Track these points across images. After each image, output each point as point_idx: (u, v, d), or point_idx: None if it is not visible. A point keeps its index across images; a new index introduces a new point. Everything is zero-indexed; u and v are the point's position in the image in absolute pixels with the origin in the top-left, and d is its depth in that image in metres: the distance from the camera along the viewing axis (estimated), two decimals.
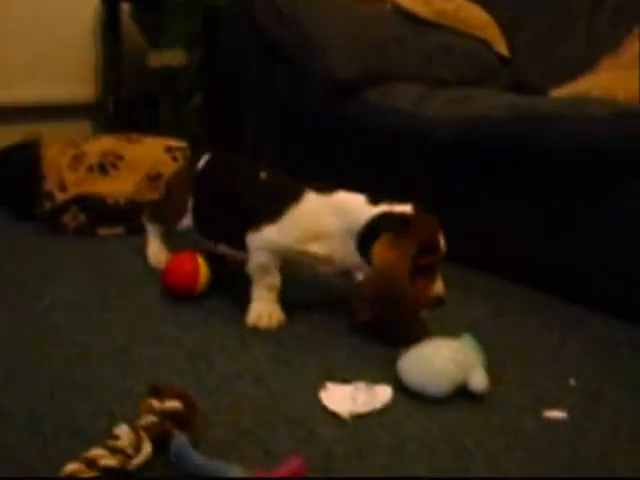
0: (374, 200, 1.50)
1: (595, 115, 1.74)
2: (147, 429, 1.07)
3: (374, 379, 1.34)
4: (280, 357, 1.44)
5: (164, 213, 1.85)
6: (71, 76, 3.44)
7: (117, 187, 2.16)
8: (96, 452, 1.03)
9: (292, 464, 1.05)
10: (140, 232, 2.04)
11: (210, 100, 2.85)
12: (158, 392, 1.12)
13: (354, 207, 1.50)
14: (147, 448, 1.05)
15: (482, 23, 2.57)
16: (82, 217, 2.13)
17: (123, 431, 1.06)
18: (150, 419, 1.08)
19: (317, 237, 1.52)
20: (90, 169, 2.17)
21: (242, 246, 1.59)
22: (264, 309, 1.58)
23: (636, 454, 1.19)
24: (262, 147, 2.55)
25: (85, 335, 1.49)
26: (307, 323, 1.60)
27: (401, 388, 1.32)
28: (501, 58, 2.58)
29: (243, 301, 1.63)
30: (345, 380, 1.33)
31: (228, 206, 1.67)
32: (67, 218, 2.13)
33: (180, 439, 1.07)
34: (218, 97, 2.82)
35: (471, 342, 1.39)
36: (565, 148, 1.76)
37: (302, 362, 1.42)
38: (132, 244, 2.04)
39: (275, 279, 1.58)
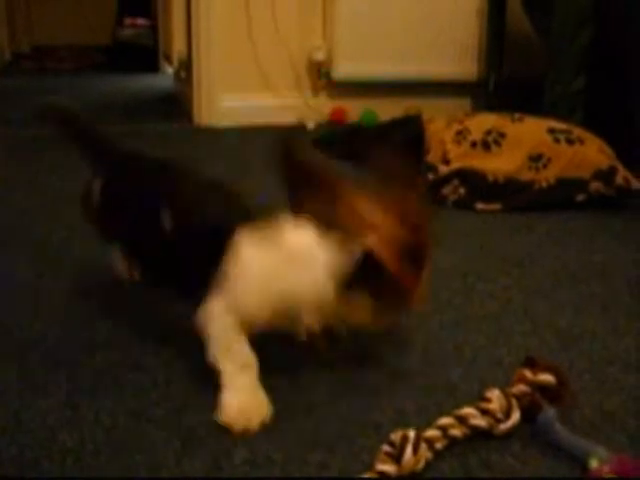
0: None
1: None
2: (518, 397, 1.12)
3: None
4: None
5: None
6: (456, 54, 3.55)
7: (498, 164, 2.22)
8: (468, 411, 1.10)
9: None
10: (517, 210, 2.12)
11: (596, 82, 2.78)
12: (533, 364, 1.16)
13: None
14: (516, 415, 1.10)
15: None
16: (462, 190, 2.22)
17: (495, 395, 1.11)
18: (522, 388, 1.13)
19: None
20: (473, 145, 2.26)
21: None
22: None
23: None
24: None
25: (461, 301, 1.59)
26: None
27: None
28: None
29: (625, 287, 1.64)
30: None
31: None
32: (447, 190, 2.23)
33: (548, 412, 1.10)
34: (605, 79, 2.74)
35: None
36: None
37: None
38: (509, 221, 2.11)
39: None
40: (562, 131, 2.28)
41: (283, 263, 1.10)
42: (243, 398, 1.13)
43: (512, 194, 2.20)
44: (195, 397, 1.18)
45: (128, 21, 5.82)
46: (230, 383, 1.13)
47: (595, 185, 2.20)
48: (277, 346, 1.32)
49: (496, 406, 1.10)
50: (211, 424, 1.11)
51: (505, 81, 3.42)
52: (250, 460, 1.04)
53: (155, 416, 1.13)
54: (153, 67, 5.53)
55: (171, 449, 1.06)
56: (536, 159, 2.22)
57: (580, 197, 2.21)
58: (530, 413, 1.12)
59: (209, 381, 1.20)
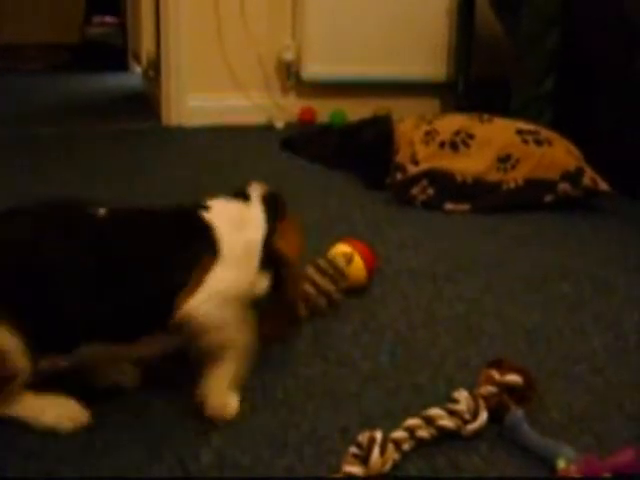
0: None
1: None
2: (485, 398, 1.12)
3: None
4: (621, 349, 1.41)
5: None
6: (425, 55, 3.56)
7: (466, 165, 2.23)
8: (435, 412, 1.09)
9: (625, 456, 1.05)
10: (486, 211, 2.14)
11: (564, 84, 2.80)
12: (500, 365, 1.17)
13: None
14: (483, 416, 1.10)
15: None
16: (431, 191, 2.22)
17: (462, 396, 1.11)
18: (489, 389, 1.13)
19: None
20: (442, 145, 2.26)
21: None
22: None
23: None
24: (618, 136, 2.48)
25: (429, 302, 1.58)
26: None
27: None
28: None
29: (592, 288, 1.65)
30: None
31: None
32: (416, 190, 2.23)
33: (516, 413, 1.11)
34: (572, 81, 2.77)
35: None
36: None
37: None
38: (478, 222, 2.11)
39: None
40: (530, 132, 2.29)
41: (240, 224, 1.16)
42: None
43: (481, 195, 2.20)
44: (161, 400, 1.16)
45: (97, 19, 5.76)
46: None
47: (563, 186, 2.22)
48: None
49: (464, 407, 1.10)
50: (177, 427, 1.10)
51: (474, 82, 3.44)
52: (217, 463, 1.03)
53: (120, 419, 1.12)
54: (122, 66, 5.49)
55: (137, 452, 1.04)
56: (504, 160, 2.23)
57: (548, 198, 2.22)
58: (497, 414, 1.12)
59: (174, 385, 1.20)
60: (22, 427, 1.08)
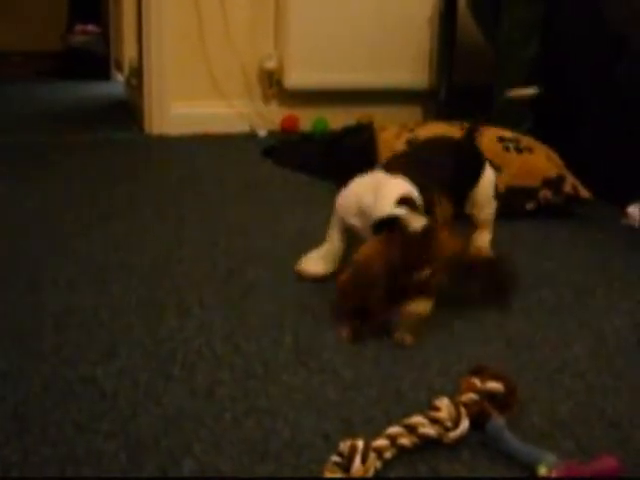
0: (405, 201, 1.47)
1: None
2: (467, 406, 1.12)
3: None
4: (602, 354, 1.42)
5: None
6: (407, 63, 3.58)
7: None
8: (417, 420, 1.09)
9: (606, 462, 1.05)
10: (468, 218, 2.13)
11: (546, 92, 2.82)
12: (481, 372, 1.17)
13: (383, 198, 1.48)
14: (465, 424, 1.10)
15: None
16: None
17: (444, 404, 1.12)
18: (470, 397, 1.13)
19: (357, 211, 1.57)
20: None
21: None
22: None
23: None
24: (598, 143, 2.49)
25: None
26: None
27: None
28: None
29: (573, 294, 1.67)
30: None
31: None
32: None
33: (497, 420, 1.11)
34: (552, 89, 2.78)
35: None
36: None
37: (627, 363, 1.39)
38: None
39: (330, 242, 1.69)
40: (511, 140, 2.30)
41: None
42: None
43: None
44: (143, 409, 1.16)
45: (79, 28, 5.74)
46: None
47: (544, 193, 2.23)
48: (226, 355, 1.32)
49: (445, 415, 1.10)
50: (159, 436, 1.09)
51: (456, 90, 3.45)
52: (198, 471, 1.03)
53: (102, 428, 1.11)
54: (104, 74, 5.48)
55: (118, 461, 1.04)
56: None
57: (529, 205, 2.23)
58: (479, 421, 1.12)
59: (157, 393, 1.19)
60: (3, 436, 1.08)
